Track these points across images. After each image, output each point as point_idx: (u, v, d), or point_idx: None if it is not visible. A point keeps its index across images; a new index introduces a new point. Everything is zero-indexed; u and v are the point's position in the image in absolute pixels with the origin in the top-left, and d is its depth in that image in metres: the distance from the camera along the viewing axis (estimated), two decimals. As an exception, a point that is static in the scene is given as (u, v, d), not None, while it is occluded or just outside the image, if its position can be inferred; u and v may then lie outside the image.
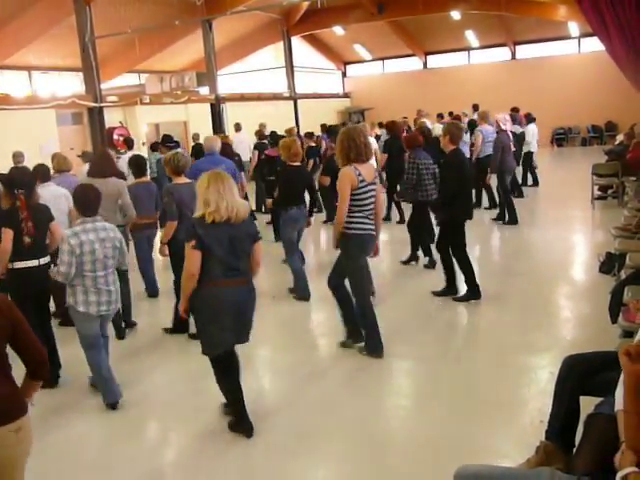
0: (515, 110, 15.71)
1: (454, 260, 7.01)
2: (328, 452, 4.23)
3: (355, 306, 5.66)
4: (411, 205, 8.66)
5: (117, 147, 15.27)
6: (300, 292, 7.41)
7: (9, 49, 17.02)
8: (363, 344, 5.67)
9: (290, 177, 7.33)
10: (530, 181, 14.72)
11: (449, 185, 6.84)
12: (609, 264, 7.29)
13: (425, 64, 28.31)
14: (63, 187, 7.03)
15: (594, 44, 22.54)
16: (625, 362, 2.19)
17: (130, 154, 10.82)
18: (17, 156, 10.29)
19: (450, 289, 7.11)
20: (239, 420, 4.39)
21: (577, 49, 25.35)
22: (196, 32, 20.59)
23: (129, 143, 11.97)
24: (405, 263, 8.62)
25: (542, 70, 25.18)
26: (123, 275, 6.17)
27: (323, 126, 17.74)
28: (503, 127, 10.77)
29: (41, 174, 6.70)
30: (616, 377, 2.72)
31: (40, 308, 5.50)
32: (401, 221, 10.99)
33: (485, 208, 12.05)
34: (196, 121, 19.42)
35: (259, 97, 22.89)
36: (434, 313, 6.80)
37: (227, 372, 4.38)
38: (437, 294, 7.11)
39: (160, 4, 18.42)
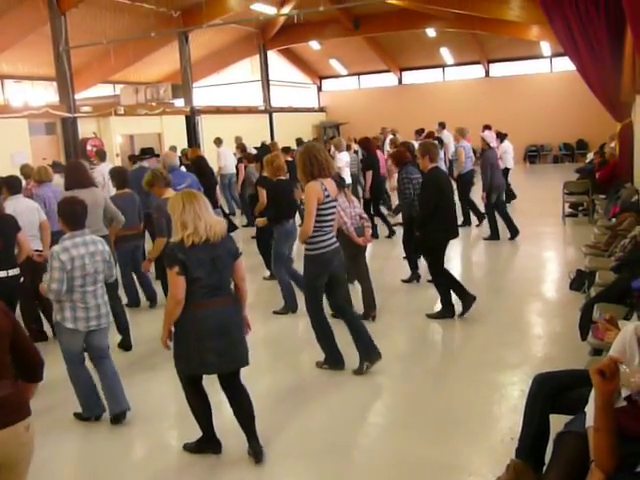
0: (488, 127, 15.98)
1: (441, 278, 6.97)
2: (295, 470, 4.21)
3: (312, 322, 5.63)
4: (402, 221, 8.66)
5: (90, 158, 15.14)
6: (289, 304, 7.38)
7: (-19, 57, 16.86)
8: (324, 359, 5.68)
9: (278, 191, 7.34)
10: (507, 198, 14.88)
11: (427, 204, 6.76)
12: (579, 281, 7.38)
13: (400, 80, 28.58)
14: (47, 197, 6.99)
15: (566, 64, 22.91)
16: (598, 381, 2.22)
17: (103, 165, 10.76)
18: None
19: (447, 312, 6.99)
20: (207, 439, 4.31)
21: (549, 68, 25.83)
22: (172, 44, 20.57)
23: (101, 155, 11.88)
24: (407, 281, 8.49)
25: (515, 88, 25.62)
26: (112, 286, 6.05)
27: (299, 140, 17.80)
28: (492, 145, 10.94)
29: (11, 186, 6.63)
30: (586, 395, 2.76)
31: None
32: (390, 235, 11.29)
33: (476, 225, 12.09)
34: (171, 133, 19.36)
35: (235, 110, 22.90)
36: (409, 330, 6.83)
37: (199, 390, 4.27)
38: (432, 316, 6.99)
39: (136, 15, 18.37)
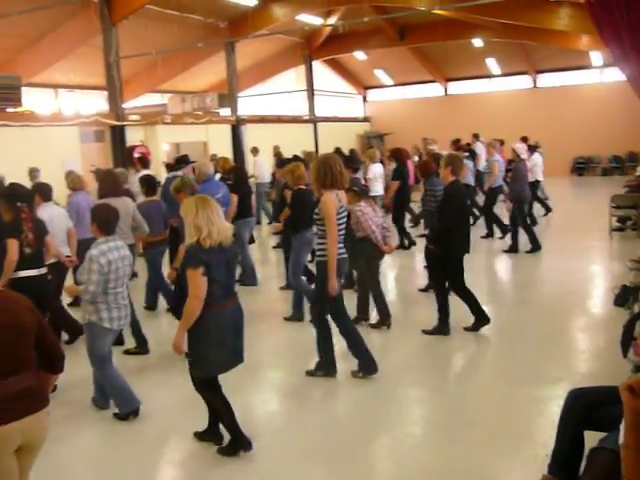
0: (524, 139, 15.88)
1: (456, 292, 6.90)
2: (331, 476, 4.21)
3: (317, 331, 5.70)
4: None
5: (137, 166, 15.42)
6: (296, 313, 7.49)
7: (37, 67, 17.36)
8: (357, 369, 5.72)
9: (298, 200, 7.40)
10: (542, 210, 14.65)
11: (446, 218, 6.66)
12: (623, 297, 7.20)
13: (446, 90, 28.40)
14: (80, 205, 7.20)
15: (617, 74, 22.50)
16: (627, 398, 2.16)
17: (145, 173, 10.98)
18: (33, 171, 10.57)
19: (481, 321, 6.89)
20: (237, 437, 4.40)
21: (600, 78, 25.30)
22: (219, 54, 20.87)
23: (144, 162, 12.13)
24: (424, 290, 8.48)
25: (564, 99, 25.18)
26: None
27: (336, 150, 17.76)
28: (522, 156, 10.82)
29: (43, 193, 6.90)
30: (622, 411, 2.69)
31: None
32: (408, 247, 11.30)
33: (499, 238, 12.05)
34: (216, 142, 19.61)
35: (279, 119, 23.07)
36: (445, 342, 6.77)
37: (221, 393, 4.42)
38: (469, 329, 6.89)
39: (184, 26, 18.70)
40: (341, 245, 5.50)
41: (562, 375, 5.60)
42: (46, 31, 16.44)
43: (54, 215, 6.68)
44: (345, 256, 5.58)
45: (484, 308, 6.92)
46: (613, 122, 23.91)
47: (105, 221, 5.00)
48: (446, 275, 6.82)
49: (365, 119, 29.64)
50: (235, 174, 9.61)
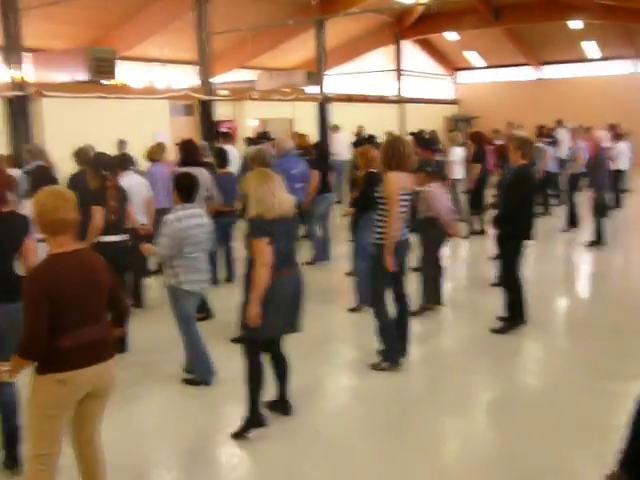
0: (612, 127, 15.08)
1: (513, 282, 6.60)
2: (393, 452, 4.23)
3: (375, 312, 5.59)
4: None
5: (220, 139, 15.72)
6: (362, 297, 7.27)
7: (131, 41, 17.86)
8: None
9: (369, 183, 7.31)
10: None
11: (513, 201, 6.49)
12: None
13: (540, 74, 27.45)
14: (156, 175, 7.46)
15: None
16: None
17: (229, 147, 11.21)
18: (121, 142, 11.00)
19: (513, 320, 6.61)
20: (253, 412, 4.50)
21: None
22: (308, 31, 20.87)
23: (225, 136, 12.39)
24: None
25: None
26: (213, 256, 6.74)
27: (419, 132, 17.47)
28: (604, 145, 10.43)
29: (122, 162, 7.21)
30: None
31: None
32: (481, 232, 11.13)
33: (563, 230, 11.66)
34: (302, 119, 19.71)
35: (365, 99, 22.94)
36: (518, 331, 6.62)
37: (258, 360, 4.49)
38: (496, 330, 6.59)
39: (275, 3, 18.81)
40: (404, 227, 5.48)
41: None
42: (141, 6, 16.87)
43: (133, 183, 6.93)
44: (405, 238, 5.55)
45: (561, 300, 6.70)
46: None
47: (186, 188, 5.17)
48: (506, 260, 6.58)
49: (453, 101, 29.07)
50: (317, 150, 9.67)
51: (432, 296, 7.14)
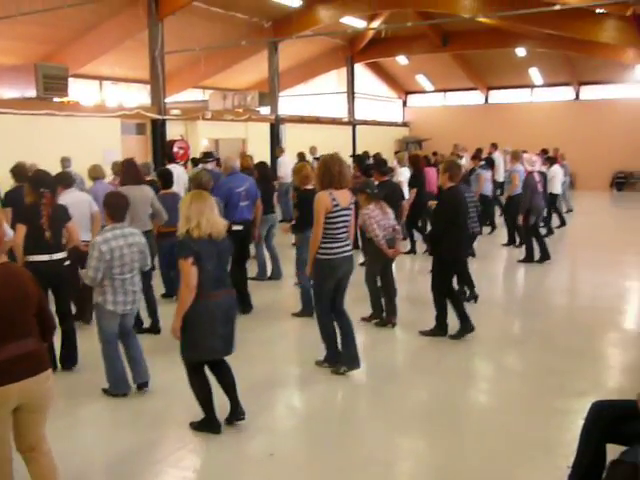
0: (544, 151, 15.87)
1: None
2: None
3: (318, 322, 5.93)
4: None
5: (176, 159, 15.65)
6: (306, 309, 7.62)
7: (84, 59, 17.72)
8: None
9: (303, 200, 7.53)
10: (557, 222, 14.49)
11: (441, 223, 6.85)
12: (657, 314, 7.12)
13: (487, 99, 28.20)
14: (98, 193, 7.50)
15: (662, 89, 22.17)
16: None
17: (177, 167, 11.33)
18: (64, 160, 10.93)
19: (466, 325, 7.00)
20: (210, 420, 4.66)
21: (644, 93, 24.89)
22: (261, 53, 21.03)
23: (169, 157, 12.59)
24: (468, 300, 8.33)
25: (606, 112, 24.80)
26: (147, 276, 6.72)
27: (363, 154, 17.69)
28: (530, 168, 10.89)
29: (64, 180, 7.19)
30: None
31: (59, 301, 6.00)
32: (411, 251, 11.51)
33: (516, 246, 12.19)
34: (255, 139, 19.77)
35: (318, 120, 23.16)
36: (467, 347, 6.76)
37: (203, 377, 4.66)
38: (424, 333, 6.98)
39: (229, 24, 18.90)
40: (341, 244, 5.68)
41: (588, 389, 5.55)
42: (94, 24, 16.75)
43: (72, 201, 6.86)
44: (347, 254, 5.76)
45: (511, 318, 6.89)
46: (657, 138, 23.52)
47: (114, 208, 5.25)
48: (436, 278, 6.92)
49: (404, 124, 29.58)
50: (258, 171, 9.74)
51: (388, 309, 7.36)
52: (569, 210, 17.10)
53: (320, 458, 4.41)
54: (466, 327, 6.85)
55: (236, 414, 4.79)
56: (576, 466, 3.34)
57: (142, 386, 5.44)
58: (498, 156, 16.54)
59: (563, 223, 14.57)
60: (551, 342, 6.95)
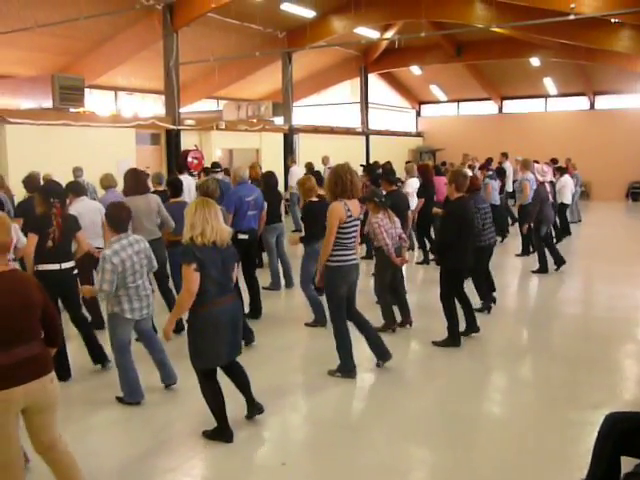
0: (554, 161, 15.90)
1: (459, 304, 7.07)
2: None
3: (334, 330, 5.99)
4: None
5: (191, 169, 15.74)
6: (318, 319, 7.68)
7: (100, 69, 17.92)
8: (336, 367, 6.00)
9: (309, 213, 7.64)
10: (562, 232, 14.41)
11: (447, 232, 6.88)
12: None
13: (500, 109, 28.15)
14: (110, 201, 7.57)
15: (678, 99, 22.02)
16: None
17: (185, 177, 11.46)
18: (76, 170, 11.03)
19: (472, 328, 7.15)
20: (222, 428, 4.68)
21: (660, 103, 24.75)
22: (275, 63, 21.15)
23: (180, 167, 12.79)
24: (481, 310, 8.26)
25: (621, 122, 24.67)
26: (163, 280, 7.09)
27: (374, 163, 17.73)
28: (541, 179, 10.87)
29: (75, 190, 7.35)
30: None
31: (71, 308, 6.13)
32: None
33: (516, 255, 12.34)
34: (269, 149, 19.84)
35: (332, 130, 23.22)
36: (484, 359, 6.73)
37: (215, 385, 4.68)
38: (437, 344, 6.94)
39: (243, 35, 19.04)
40: (351, 252, 5.79)
41: (603, 400, 5.50)
42: (110, 35, 16.96)
43: (84, 210, 7.04)
44: (355, 262, 5.87)
45: (525, 328, 6.86)
46: (673, 147, 23.37)
47: (116, 219, 5.32)
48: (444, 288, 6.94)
49: (418, 134, 29.57)
50: (264, 181, 9.77)
51: (391, 317, 7.40)
52: (578, 220, 17.04)
53: (333, 467, 4.39)
54: (472, 328, 7.02)
55: (254, 410, 4.90)
56: (590, 478, 3.31)
57: (169, 386, 5.64)
58: (509, 166, 16.57)
59: (568, 232, 14.52)
60: (565, 353, 6.91)
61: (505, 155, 17.60)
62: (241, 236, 7.60)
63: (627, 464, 3.16)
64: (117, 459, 4.57)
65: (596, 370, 6.29)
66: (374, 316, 7.35)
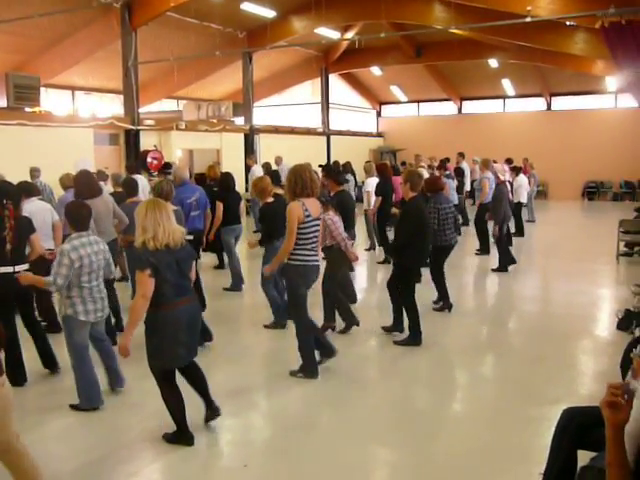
0: (508, 161, 16.37)
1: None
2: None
3: (296, 330, 6.00)
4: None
5: (150, 169, 15.57)
6: (277, 320, 7.65)
7: (56, 68, 17.57)
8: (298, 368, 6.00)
9: (266, 213, 7.62)
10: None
11: (404, 232, 6.93)
12: (627, 321, 7.22)
13: (460, 109, 28.49)
14: (67, 202, 7.46)
15: (631, 100, 22.58)
16: (608, 414, 2.19)
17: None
18: (34, 171, 10.78)
19: (397, 326, 7.21)
20: (182, 431, 4.62)
21: (614, 104, 25.34)
22: (236, 63, 21.05)
23: (130, 168, 12.61)
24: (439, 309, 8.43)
25: (577, 123, 25.22)
26: (111, 283, 6.70)
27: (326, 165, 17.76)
28: (502, 177, 11.03)
29: (26, 190, 7.13)
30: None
31: (25, 311, 6.05)
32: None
33: (475, 253, 12.60)
34: (229, 150, 19.74)
35: (293, 130, 23.20)
36: (445, 357, 6.80)
37: (174, 386, 4.64)
38: (385, 329, 7.22)
39: (203, 35, 18.90)
40: (312, 252, 5.79)
41: (560, 396, 5.59)
42: (66, 34, 16.64)
43: (34, 210, 6.87)
44: (316, 264, 5.88)
45: (483, 326, 6.95)
46: (625, 148, 23.98)
47: (76, 217, 5.22)
48: (399, 285, 7.01)
49: (379, 134, 29.75)
50: (221, 181, 9.75)
51: (348, 316, 7.39)
52: (532, 220, 17.42)
53: (295, 468, 4.38)
54: (416, 338, 6.91)
55: (212, 413, 4.83)
56: (547, 472, 3.37)
57: (116, 391, 5.57)
58: (466, 166, 16.93)
59: (522, 233, 14.84)
60: (523, 350, 7.03)
61: (462, 155, 17.89)
62: (186, 237, 7.54)
63: (583, 457, 3.21)
64: (76, 464, 4.47)
65: (554, 366, 6.39)
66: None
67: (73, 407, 5.27)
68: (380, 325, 7.47)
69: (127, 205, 7.76)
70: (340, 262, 7.32)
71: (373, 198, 11.56)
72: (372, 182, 12.05)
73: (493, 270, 10.96)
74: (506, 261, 10.96)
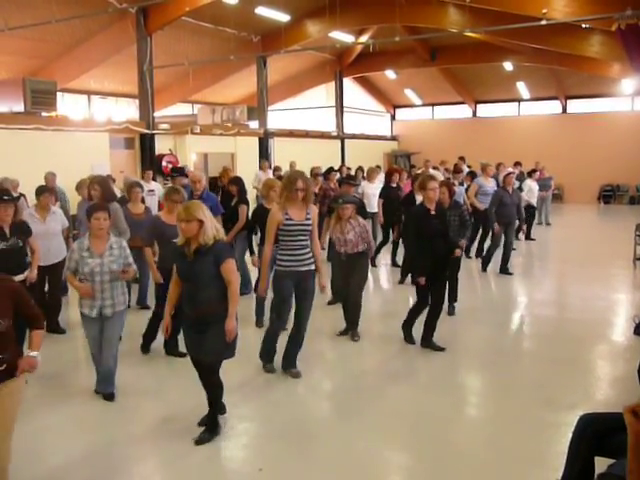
0: (517, 164, 16.23)
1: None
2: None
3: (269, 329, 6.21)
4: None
5: (165, 174, 15.63)
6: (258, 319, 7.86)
7: (72, 73, 17.68)
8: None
9: (254, 216, 7.74)
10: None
11: (408, 236, 7.07)
12: (644, 326, 7.16)
13: (474, 112, 28.39)
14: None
15: (647, 103, 22.39)
16: (630, 420, 2.17)
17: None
18: (49, 175, 10.83)
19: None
20: (216, 418, 4.88)
21: (630, 107, 25.14)
22: (250, 67, 21.09)
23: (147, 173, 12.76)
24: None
25: (593, 126, 25.04)
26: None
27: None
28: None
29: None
30: (632, 439, 2.69)
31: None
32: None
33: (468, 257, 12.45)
34: (244, 153, 19.78)
35: (307, 134, 23.21)
36: (463, 360, 6.76)
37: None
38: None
39: (217, 39, 18.98)
40: (293, 258, 5.83)
41: (577, 401, 5.55)
42: (82, 39, 16.76)
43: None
44: (299, 270, 5.87)
45: (498, 330, 6.97)
46: (642, 151, 23.77)
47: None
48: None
49: (393, 138, 29.70)
50: (240, 185, 9.46)
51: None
52: (548, 224, 17.36)
53: (311, 474, 4.37)
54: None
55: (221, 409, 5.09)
56: (565, 479, 3.33)
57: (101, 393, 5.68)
58: (465, 169, 16.84)
59: (529, 238, 14.87)
60: (540, 354, 6.98)
61: (462, 159, 17.88)
62: None
63: (601, 464, 3.18)
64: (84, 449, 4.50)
65: (570, 371, 6.35)
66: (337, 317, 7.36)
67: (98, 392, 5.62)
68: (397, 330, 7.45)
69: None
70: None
71: (374, 201, 11.58)
72: (376, 186, 12.01)
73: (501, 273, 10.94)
74: (487, 262, 11.14)
